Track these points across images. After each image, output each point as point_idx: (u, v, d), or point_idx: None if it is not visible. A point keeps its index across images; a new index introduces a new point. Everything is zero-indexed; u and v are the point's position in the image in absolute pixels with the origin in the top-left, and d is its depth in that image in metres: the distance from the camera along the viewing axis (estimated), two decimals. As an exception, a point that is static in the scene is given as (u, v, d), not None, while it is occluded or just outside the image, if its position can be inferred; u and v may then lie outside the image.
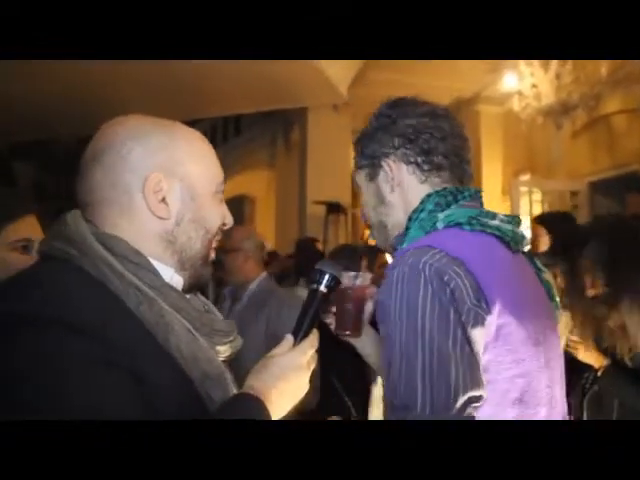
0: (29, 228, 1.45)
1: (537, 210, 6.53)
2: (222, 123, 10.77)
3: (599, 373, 2.49)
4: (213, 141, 10.70)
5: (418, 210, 1.21)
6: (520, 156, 7.63)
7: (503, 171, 7.95)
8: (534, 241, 3.65)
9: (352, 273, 1.32)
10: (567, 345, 2.55)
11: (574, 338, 2.52)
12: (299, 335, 1.09)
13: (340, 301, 1.33)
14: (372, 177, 1.28)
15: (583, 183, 6.63)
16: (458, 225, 1.14)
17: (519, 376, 1.08)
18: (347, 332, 1.34)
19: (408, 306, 1.03)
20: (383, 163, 1.26)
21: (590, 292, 2.60)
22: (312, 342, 1.08)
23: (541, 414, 1.11)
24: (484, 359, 1.04)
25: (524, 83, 6.40)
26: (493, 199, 7.83)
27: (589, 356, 2.52)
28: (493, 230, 1.14)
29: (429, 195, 1.22)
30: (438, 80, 6.64)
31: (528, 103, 6.35)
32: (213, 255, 1.10)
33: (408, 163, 1.24)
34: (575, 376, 2.68)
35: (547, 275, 1.28)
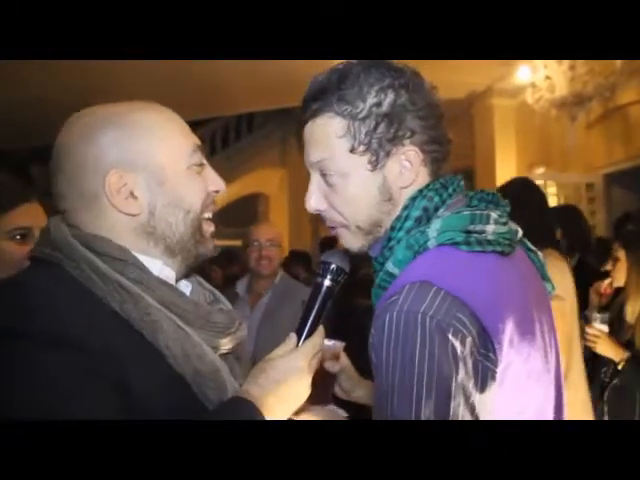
0: (29, 217, 1.41)
1: (552, 203, 6.46)
2: (235, 122, 10.78)
3: (619, 366, 2.46)
4: (226, 140, 10.74)
5: (402, 218, 1.02)
6: (534, 149, 7.56)
7: (517, 164, 7.88)
8: None
9: (326, 341, 1.15)
10: (584, 339, 2.53)
11: (592, 331, 2.49)
12: (303, 334, 1.02)
13: None
14: (377, 165, 1.02)
15: (598, 175, 6.55)
16: (454, 244, 0.96)
17: (525, 411, 0.97)
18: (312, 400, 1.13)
19: (403, 365, 0.87)
20: (398, 149, 1.02)
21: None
22: (315, 343, 1.02)
23: None
24: (491, 405, 0.91)
25: (537, 75, 6.33)
26: (507, 193, 7.76)
27: (608, 349, 2.50)
28: (494, 247, 0.97)
29: (414, 198, 1.02)
30: (450, 74, 6.59)
31: (542, 95, 6.28)
32: (211, 228, 1.05)
33: (423, 151, 1.03)
34: (593, 369, 2.66)
35: (539, 255, 1.16)
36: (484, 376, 0.90)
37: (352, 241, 1.08)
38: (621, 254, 2.62)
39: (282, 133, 10.49)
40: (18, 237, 1.40)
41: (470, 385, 0.88)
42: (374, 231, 1.06)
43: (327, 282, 1.05)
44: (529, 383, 0.98)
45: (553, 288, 1.16)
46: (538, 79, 6.33)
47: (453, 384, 0.87)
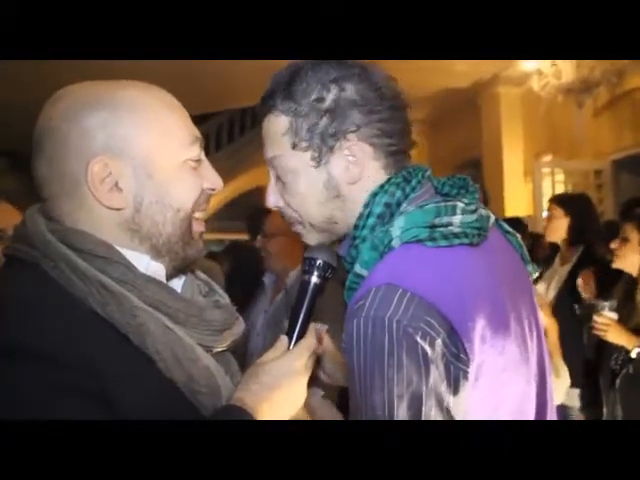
0: (1, 217, 1.36)
1: (560, 191, 6.43)
2: (239, 116, 10.77)
3: (633, 354, 2.44)
4: (231, 134, 10.73)
5: (364, 216, 0.99)
6: (541, 137, 7.51)
7: (524, 153, 7.83)
8: (550, 222, 3.57)
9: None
10: (593, 327, 2.50)
11: (601, 320, 2.47)
12: (293, 335, 0.96)
13: None
14: (320, 161, 1.00)
15: (607, 162, 6.50)
16: (419, 242, 0.93)
17: (503, 404, 0.96)
18: None
19: (372, 371, 0.87)
20: (342, 144, 0.99)
21: None
22: (309, 343, 0.95)
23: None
24: (465, 405, 0.89)
25: (543, 61, 6.28)
26: (515, 181, 7.72)
27: (620, 337, 2.47)
28: (461, 239, 0.94)
29: (375, 194, 0.99)
30: (455, 64, 6.55)
31: (548, 82, 6.23)
32: (201, 228, 0.97)
33: (372, 144, 1.00)
34: (601, 358, 2.64)
35: (517, 237, 1.12)
36: (456, 377, 0.88)
37: (308, 238, 1.07)
38: (633, 235, 2.58)
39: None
40: None
41: (442, 388, 0.87)
42: (329, 228, 1.05)
43: (314, 279, 1.00)
44: (506, 375, 0.96)
45: (534, 270, 1.14)
46: (544, 66, 6.27)
47: (424, 389, 0.85)
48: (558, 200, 3.67)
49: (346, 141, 0.99)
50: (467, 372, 0.88)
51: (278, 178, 1.04)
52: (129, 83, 0.91)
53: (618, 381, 2.46)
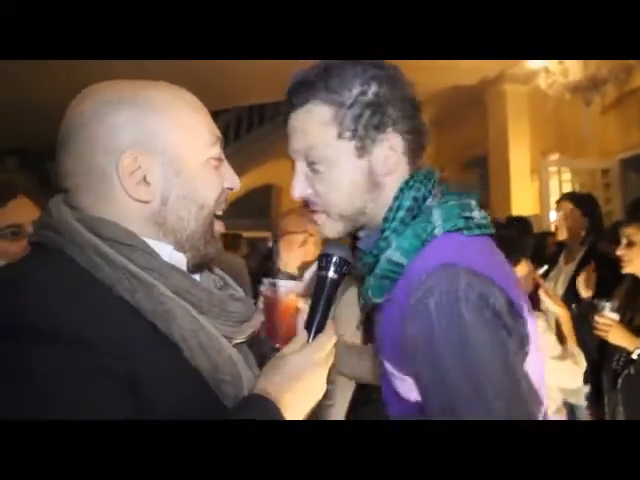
0: (19, 213, 1.40)
1: (567, 190, 6.40)
2: (246, 113, 10.78)
3: (634, 355, 2.43)
4: (238, 131, 10.76)
5: (395, 209, 1.05)
6: (548, 135, 7.48)
7: (531, 151, 7.80)
8: (566, 221, 3.55)
9: (284, 282, 1.16)
10: (594, 328, 2.47)
11: (602, 320, 2.44)
12: (312, 329, 0.99)
13: (267, 312, 1.16)
14: (364, 152, 1.05)
15: (614, 160, 6.47)
16: (459, 230, 1.03)
17: (539, 381, 1.05)
18: (277, 344, 1.12)
19: (461, 338, 0.93)
20: (382, 136, 1.05)
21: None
22: (329, 335, 0.98)
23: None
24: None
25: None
26: (521, 180, 7.70)
27: (621, 338, 2.46)
28: (488, 230, 1.07)
29: (402, 189, 1.06)
30: (461, 61, 6.53)
31: (555, 80, 6.20)
32: (221, 228, 1.00)
33: (404, 139, 1.07)
34: (603, 358, 2.62)
35: None
36: (521, 338, 0.98)
37: (331, 227, 1.10)
38: (638, 238, 2.56)
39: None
40: (10, 235, 1.38)
41: (518, 351, 0.98)
42: (354, 219, 1.09)
43: (331, 274, 1.03)
44: (537, 353, 1.05)
45: None
46: (551, 64, 6.24)
47: (507, 339, 0.95)
48: (575, 199, 3.65)
49: (385, 134, 1.05)
50: (527, 334, 1.00)
51: (311, 167, 1.07)
52: (155, 83, 0.95)
53: (620, 381, 2.45)
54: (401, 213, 1.04)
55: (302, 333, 0.99)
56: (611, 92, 6.22)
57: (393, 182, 1.08)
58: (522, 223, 3.45)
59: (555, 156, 7.39)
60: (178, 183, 0.91)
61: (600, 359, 2.67)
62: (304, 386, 0.91)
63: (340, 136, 1.04)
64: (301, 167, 1.09)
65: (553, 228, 3.93)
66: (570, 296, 3.19)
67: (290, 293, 1.16)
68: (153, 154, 0.89)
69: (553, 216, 6.09)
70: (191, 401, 0.85)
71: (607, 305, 2.49)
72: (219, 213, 0.99)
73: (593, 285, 2.98)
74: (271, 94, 7.84)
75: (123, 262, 0.84)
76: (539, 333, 1.07)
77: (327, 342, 0.97)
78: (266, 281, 1.16)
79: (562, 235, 3.58)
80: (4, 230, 1.37)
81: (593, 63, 5.95)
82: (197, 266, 0.98)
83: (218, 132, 0.98)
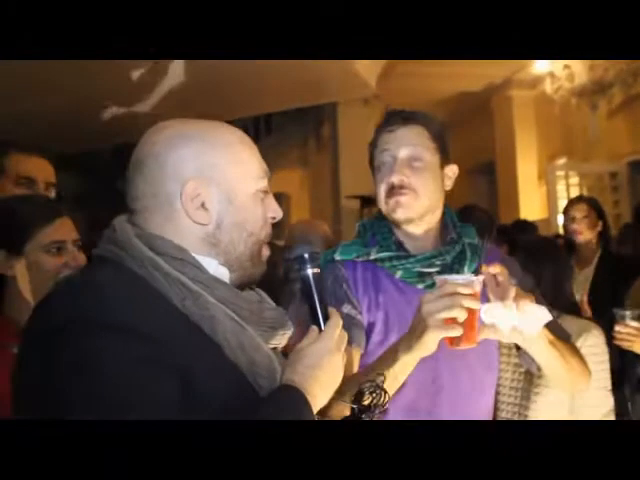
0: (63, 231, 1.52)
1: (575, 194, 6.38)
2: (253, 123, 10.81)
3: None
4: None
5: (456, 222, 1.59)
6: (555, 140, 7.48)
7: (538, 156, 7.80)
8: (583, 224, 3.44)
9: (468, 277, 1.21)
10: (615, 337, 2.35)
11: (626, 330, 2.27)
12: (320, 321, 1.07)
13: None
14: (443, 166, 1.51)
15: (622, 164, 6.46)
16: None
17: None
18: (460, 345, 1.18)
19: None
20: (447, 163, 1.53)
21: None
22: (335, 322, 1.07)
23: None
24: None
25: (556, 64, 6.26)
26: (529, 185, 7.70)
27: None
28: None
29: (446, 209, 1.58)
30: (467, 68, 6.55)
31: (561, 85, 6.21)
32: (267, 252, 1.11)
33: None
34: (624, 365, 2.56)
35: None
36: None
37: (412, 205, 1.45)
38: None
39: (301, 133, 10.50)
40: (54, 250, 1.49)
41: None
42: (427, 208, 1.48)
43: (311, 270, 1.10)
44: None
45: None
46: (557, 68, 6.25)
47: None
48: (590, 201, 3.59)
49: (449, 163, 1.55)
50: None
51: (412, 160, 1.46)
52: (216, 123, 1.09)
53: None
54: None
55: (313, 328, 1.07)
56: (618, 95, 6.21)
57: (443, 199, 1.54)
58: (525, 227, 3.38)
59: (562, 160, 7.38)
60: (231, 210, 1.04)
61: (623, 367, 2.59)
62: (325, 372, 1.02)
63: (432, 146, 1.49)
64: (403, 159, 1.47)
65: (562, 230, 3.85)
66: (597, 303, 3.05)
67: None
68: (211, 184, 1.02)
69: (561, 220, 6.08)
70: (231, 392, 0.95)
71: (628, 314, 2.37)
72: (267, 239, 1.10)
73: None
74: (279, 103, 7.90)
75: (175, 274, 0.97)
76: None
77: (335, 327, 1.06)
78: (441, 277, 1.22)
79: (586, 236, 3.45)
80: (50, 246, 1.48)
81: (599, 66, 5.96)
82: (242, 284, 1.09)
83: (266, 167, 1.11)
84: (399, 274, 1.47)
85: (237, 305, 1.01)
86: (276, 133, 10.84)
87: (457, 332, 1.15)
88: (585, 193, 6.28)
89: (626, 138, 6.39)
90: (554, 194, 6.50)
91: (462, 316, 1.14)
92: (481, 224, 3.44)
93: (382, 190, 1.49)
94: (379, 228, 1.54)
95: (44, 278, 1.43)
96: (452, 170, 1.55)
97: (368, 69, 6.63)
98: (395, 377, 1.23)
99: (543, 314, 1.23)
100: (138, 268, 0.97)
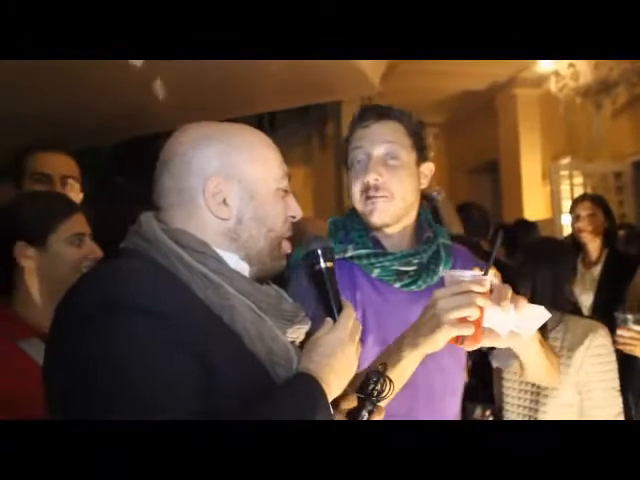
0: (80, 224, 1.61)
1: (579, 194, 6.36)
2: (256, 121, 10.81)
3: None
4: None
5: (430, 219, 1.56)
6: (559, 139, 7.46)
7: (542, 155, 7.79)
8: (590, 223, 3.41)
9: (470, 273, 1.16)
10: (617, 342, 2.32)
11: (629, 334, 2.21)
12: (334, 313, 1.09)
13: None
14: (419, 164, 1.47)
15: (626, 163, 6.44)
16: None
17: None
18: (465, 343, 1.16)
19: None
20: (424, 162, 1.49)
21: None
22: (348, 313, 1.10)
23: None
24: None
25: (561, 63, 6.25)
26: (533, 184, 7.69)
27: None
28: None
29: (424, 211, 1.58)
30: (472, 66, 6.54)
31: (566, 84, 6.20)
32: (288, 249, 1.14)
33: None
34: (630, 367, 2.54)
35: None
36: None
37: (386, 207, 1.43)
38: None
39: (305, 131, 10.51)
40: (77, 242, 1.57)
41: None
42: (406, 209, 1.45)
43: (324, 265, 1.12)
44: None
45: None
46: (561, 67, 6.24)
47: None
48: (597, 200, 3.55)
49: (425, 161, 1.50)
50: None
51: (387, 158, 1.43)
52: (239, 125, 1.16)
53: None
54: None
55: (328, 319, 1.09)
56: (622, 95, 6.20)
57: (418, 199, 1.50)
58: (525, 226, 3.35)
59: (566, 160, 7.37)
60: (251, 207, 1.09)
61: (626, 372, 2.57)
62: (339, 362, 1.05)
63: (409, 142, 1.46)
64: (379, 157, 1.44)
65: (570, 230, 3.80)
66: (602, 304, 3.05)
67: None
68: (233, 181, 1.07)
69: (565, 220, 6.06)
70: (250, 380, 0.98)
71: (629, 317, 2.35)
72: (288, 235, 1.14)
73: None
74: (282, 102, 7.90)
75: (197, 266, 1.02)
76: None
77: (349, 319, 1.09)
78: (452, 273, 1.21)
79: (592, 235, 3.41)
80: (72, 237, 1.57)
81: (604, 66, 5.94)
82: (261, 278, 1.12)
83: (286, 168, 1.16)
84: (376, 272, 1.45)
85: (256, 297, 1.05)
86: (280, 131, 10.84)
87: (470, 331, 1.13)
88: (590, 193, 6.26)
89: (630, 138, 6.38)
90: (558, 194, 6.48)
91: (476, 315, 1.12)
92: (478, 221, 3.44)
93: (357, 189, 1.46)
94: (353, 225, 1.52)
95: (66, 269, 1.52)
96: (428, 168, 1.50)
97: (372, 68, 6.63)
98: (399, 374, 1.20)
99: (542, 313, 1.21)
100: (163, 260, 1.02)
